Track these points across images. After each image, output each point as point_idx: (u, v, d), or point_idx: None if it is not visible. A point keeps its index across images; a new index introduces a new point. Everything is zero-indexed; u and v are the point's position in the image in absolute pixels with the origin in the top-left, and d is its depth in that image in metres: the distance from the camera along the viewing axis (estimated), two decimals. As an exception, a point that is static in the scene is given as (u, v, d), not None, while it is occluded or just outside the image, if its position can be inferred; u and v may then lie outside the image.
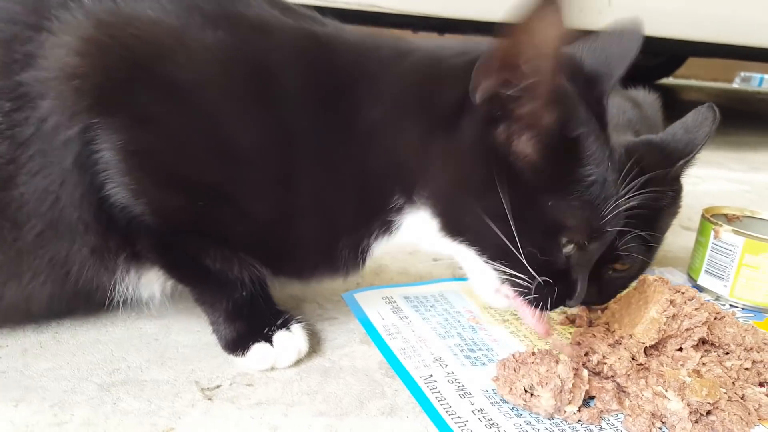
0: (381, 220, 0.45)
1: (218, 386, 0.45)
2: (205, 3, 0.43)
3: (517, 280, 0.43)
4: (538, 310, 0.44)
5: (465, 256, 0.45)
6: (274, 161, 0.42)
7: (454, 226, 0.43)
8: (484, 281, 0.45)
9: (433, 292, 0.61)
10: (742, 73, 3.60)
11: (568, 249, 0.43)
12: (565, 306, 0.46)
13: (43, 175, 0.41)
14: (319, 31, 0.45)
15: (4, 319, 0.49)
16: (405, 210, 0.45)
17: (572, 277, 0.44)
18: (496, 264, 0.43)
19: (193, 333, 0.51)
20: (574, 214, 0.41)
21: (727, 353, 0.51)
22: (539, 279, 0.42)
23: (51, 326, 0.51)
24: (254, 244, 0.45)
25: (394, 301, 0.59)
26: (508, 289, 0.44)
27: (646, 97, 0.78)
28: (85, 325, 0.51)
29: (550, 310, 0.44)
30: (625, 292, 0.55)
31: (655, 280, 0.51)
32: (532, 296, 0.43)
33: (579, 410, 0.44)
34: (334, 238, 0.45)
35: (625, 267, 0.56)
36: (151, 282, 0.48)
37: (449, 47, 0.45)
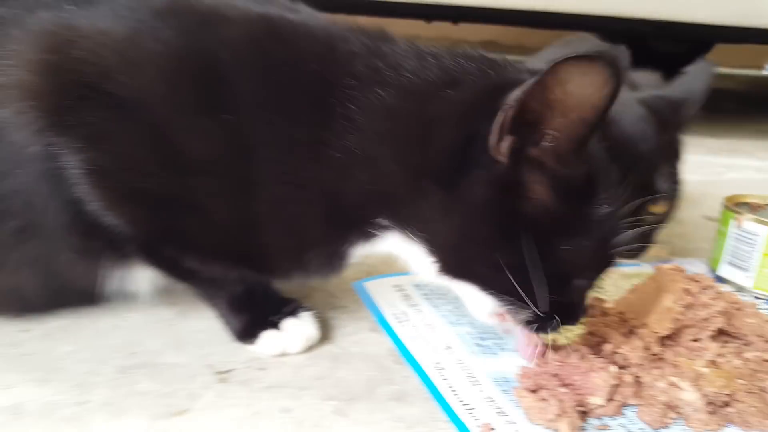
0: (360, 231, 0.42)
1: (231, 370, 0.46)
2: None
3: (520, 312, 0.41)
4: (533, 333, 0.42)
5: (463, 288, 0.43)
6: (228, 171, 0.41)
7: (457, 272, 0.41)
8: (480, 306, 0.44)
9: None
10: (774, 60, 3.45)
11: (580, 283, 0.41)
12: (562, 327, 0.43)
13: (12, 177, 0.42)
14: (283, 21, 0.41)
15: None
16: (391, 230, 0.41)
17: (576, 305, 0.42)
18: (500, 296, 0.41)
19: (207, 319, 0.52)
20: (588, 254, 0.39)
21: (747, 345, 0.49)
22: (546, 312, 0.40)
23: (71, 313, 0.52)
24: (226, 250, 0.44)
25: (405, 290, 0.59)
26: (506, 314, 0.43)
27: (645, 78, 0.75)
28: (103, 311, 0.53)
29: (550, 333, 0.42)
30: (639, 281, 0.54)
31: (670, 269, 0.50)
32: (533, 324, 0.41)
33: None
34: (301, 248, 0.43)
35: (662, 210, 0.60)
36: (137, 280, 0.49)
37: (431, 66, 0.40)
